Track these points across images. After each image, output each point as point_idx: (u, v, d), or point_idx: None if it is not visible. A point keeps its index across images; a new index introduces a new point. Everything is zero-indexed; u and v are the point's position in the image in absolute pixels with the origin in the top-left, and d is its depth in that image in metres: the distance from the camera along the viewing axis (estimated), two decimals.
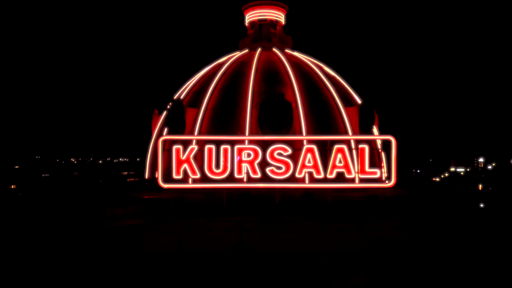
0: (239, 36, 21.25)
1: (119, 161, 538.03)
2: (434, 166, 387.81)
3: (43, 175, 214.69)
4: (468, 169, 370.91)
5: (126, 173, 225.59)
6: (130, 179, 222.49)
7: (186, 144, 14.82)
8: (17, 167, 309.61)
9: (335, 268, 14.86)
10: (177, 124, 16.35)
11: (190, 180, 14.98)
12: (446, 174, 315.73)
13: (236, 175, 14.80)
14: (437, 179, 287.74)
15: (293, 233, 14.68)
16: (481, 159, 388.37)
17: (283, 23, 20.72)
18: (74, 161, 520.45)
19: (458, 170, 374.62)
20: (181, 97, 18.22)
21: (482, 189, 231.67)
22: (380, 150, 16.95)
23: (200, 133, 16.31)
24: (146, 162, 19.83)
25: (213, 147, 14.76)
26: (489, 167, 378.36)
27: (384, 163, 17.27)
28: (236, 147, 14.74)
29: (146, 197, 15.77)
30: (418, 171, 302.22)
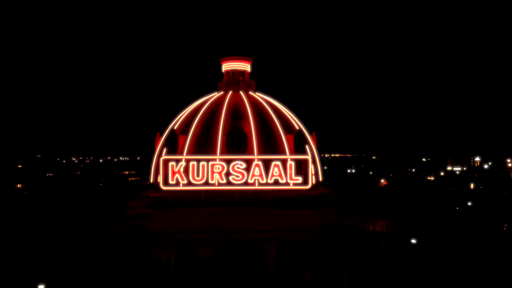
0: (218, 77, 30.02)
1: (119, 160, 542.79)
2: (430, 165, 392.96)
3: (47, 174, 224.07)
4: (464, 168, 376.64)
5: (127, 172, 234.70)
6: (131, 178, 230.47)
7: (178, 161, 23.63)
8: (20, 166, 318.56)
9: (272, 239, 23.53)
10: (172, 146, 25.15)
11: (180, 184, 23.75)
12: (442, 173, 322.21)
13: (210, 181, 23.60)
14: (432, 178, 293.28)
15: (246, 218, 23.42)
16: (477, 158, 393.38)
17: (249, 71, 29.49)
18: (75, 160, 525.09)
19: (455, 169, 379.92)
20: (176, 126, 27.01)
21: (473, 188, 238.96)
22: (307, 162, 25.63)
23: (188, 153, 25.05)
24: (151, 170, 28.54)
25: (195, 163, 23.57)
26: (486, 166, 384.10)
27: (311, 172, 25.91)
28: (210, 163, 23.55)
29: (152, 195, 24.54)
30: (413, 170, 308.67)
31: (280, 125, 26.00)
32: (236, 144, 24.55)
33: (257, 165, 23.63)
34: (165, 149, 25.82)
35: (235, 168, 23.63)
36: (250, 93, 28.21)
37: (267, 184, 23.66)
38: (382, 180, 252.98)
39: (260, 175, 23.59)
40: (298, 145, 25.29)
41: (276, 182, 23.68)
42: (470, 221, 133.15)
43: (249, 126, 25.21)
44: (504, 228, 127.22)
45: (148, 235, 23.39)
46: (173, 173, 23.57)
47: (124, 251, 22.71)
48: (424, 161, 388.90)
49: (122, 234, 22.85)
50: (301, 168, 23.92)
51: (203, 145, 25.00)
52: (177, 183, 23.65)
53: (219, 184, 23.63)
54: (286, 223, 23.36)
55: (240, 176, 23.59)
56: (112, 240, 23.08)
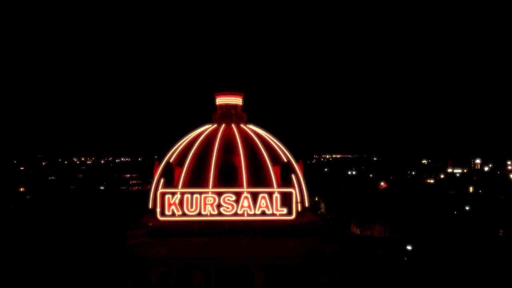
0: (212, 109, 32.46)
1: (121, 161, 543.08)
2: (431, 167, 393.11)
3: (49, 178, 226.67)
4: (465, 170, 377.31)
5: (128, 175, 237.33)
6: (133, 181, 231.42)
7: (173, 194, 26.06)
8: (22, 168, 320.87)
9: (259, 263, 25.94)
10: (168, 179, 27.60)
11: (176, 215, 26.18)
12: (442, 176, 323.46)
13: (202, 212, 26.02)
14: (432, 181, 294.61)
15: (236, 245, 25.85)
16: (477, 160, 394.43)
17: (241, 104, 31.92)
18: (77, 160, 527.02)
19: (455, 171, 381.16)
20: (172, 158, 29.45)
21: (472, 191, 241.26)
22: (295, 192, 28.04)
23: (183, 185, 27.47)
24: (150, 195, 30.94)
25: (189, 196, 26.01)
26: (486, 168, 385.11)
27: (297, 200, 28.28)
28: (203, 196, 25.99)
29: (150, 224, 26.98)
30: (413, 172, 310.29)
31: (268, 157, 28.42)
32: (227, 177, 26.99)
33: (246, 197, 26.06)
34: (162, 180, 28.26)
35: (226, 200, 26.07)
36: (241, 125, 30.60)
37: (255, 214, 26.09)
38: (382, 183, 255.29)
39: (249, 206, 26.02)
40: (285, 176, 27.70)
41: (263, 213, 26.10)
42: (467, 226, 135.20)
43: (239, 160, 27.65)
44: (500, 234, 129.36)
45: (146, 261, 25.86)
46: (169, 204, 26.03)
47: (125, 278, 25.19)
48: (424, 163, 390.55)
49: (122, 261, 25.32)
50: (286, 199, 26.33)
51: (196, 178, 27.43)
52: (173, 214, 26.11)
53: (211, 215, 26.07)
54: (272, 250, 25.80)
55: (230, 208, 26.03)
56: (113, 266, 25.56)
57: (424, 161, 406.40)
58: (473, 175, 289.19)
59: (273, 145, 30.17)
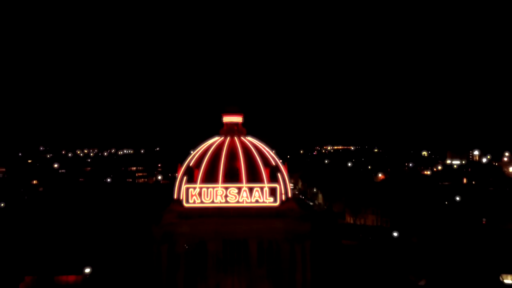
0: (219, 125, 44.46)
1: (123, 153, 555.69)
2: (429, 159, 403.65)
3: (60, 171, 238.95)
4: (463, 162, 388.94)
5: (134, 168, 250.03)
6: (139, 174, 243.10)
7: (194, 188, 38.17)
8: (30, 161, 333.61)
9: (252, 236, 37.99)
10: (190, 177, 39.71)
11: (196, 202, 38.26)
12: (439, 167, 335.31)
13: (215, 201, 38.13)
14: (428, 173, 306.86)
15: (237, 224, 37.93)
16: (476, 152, 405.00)
17: (241, 121, 43.92)
18: (80, 153, 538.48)
19: (454, 162, 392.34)
20: (191, 163, 41.51)
21: (466, 182, 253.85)
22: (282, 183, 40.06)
23: (200, 182, 39.53)
24: (175, 189, 42.94)
25: (205, 189, 38.12)
26: (484, 159, 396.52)
27: (282, 191, 40.27)
28: (215, 189, 38.10)
29: (177, 209, 39.08)
30: (410, 164, 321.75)
31: (261, 162, 40.50)
32: (232, 176, 39.10)
33: (245, 190, 38.19)
34: (185, 178, 40.38)
35: (231, 192, 38.21)
36: (242, 138, 42.64)
37: (251, 202, 38.21)
38: (380, 175, 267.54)
39: (247, 196, 38.15)
40: (272, 176, 39.80)
41: (257, 201, 38.23)
42: (454, 216, 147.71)
43: (240, 164, 39.76)
44: (483, 222, 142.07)
45: (175, 235, 38.07)
46: (191, 195, 38.21)
47: (161, 247, 37.48)
48: (423, 155, 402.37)
49: (159, 235, 37.60)
50: (273, 192, 38.47)
51: (210, 177, 39.56)
52: (194, 202, 38.27)
53: (220, 203, 38.24)
54: (263, 228, 37.97)
55: (234, 197, 38.17)
56: (153, 239, 37.84)
57: (424, 153, 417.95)
58: (470, 166, 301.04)
59: (265, 153, 42.24)
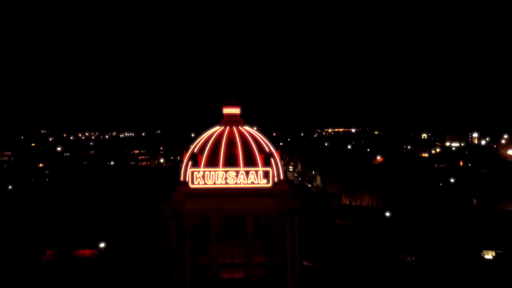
0: (220, 115, 50.75)
1: (125, 136, 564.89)
2: (429, 141, 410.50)
3: (64, 154, 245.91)
4: (462, 144, 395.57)
5: (137, 151, 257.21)
6: (141, 157, 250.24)
7: (198, 171, 44.67)
8: (33, 144, 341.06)
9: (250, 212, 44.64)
10: (194, 162, 46.22)
11: (200, 184, 44.82)
12: (438, 150, 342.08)
13: (216, 182, 44.68)
14: (426, 155, 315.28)
15: (236, 202, 44.55)
16: (475, 134, 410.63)
17: (239, 113, 50.19)
18: (82, 136, 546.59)
19: (453, 144, 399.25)
20: (196, 149, 47.96)
21: (462, 165, 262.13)
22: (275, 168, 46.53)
23: (204, 166, 46.04)
24: (181, 172, 49.46)
25: (208, 172, 44.63)
26: (483, 142, 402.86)
27: (274, 175, 46.75)
28: (216, 172, 44.61)
29: (184, 190, 45.65)
30: (409, 147, 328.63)
31: (256, 149, 46.92)
32: (230, 161, 45.59)
33: (242, 173, 44.69)
34: (190, 163, 46.89)
35: (230, 175, 44.71)
36: (240, 127, 48.99)
37: (247, 184, 44.73)
38: (378, 157, 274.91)
39: (244, 178, 44.66)
40: (266, 161, 46.29)
41: (252, 183, 44.75)
42: (447, 197, 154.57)
43: (238, 151, 46.21)
44: (474, 203, 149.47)
45: (182, 212, 44.73)
46: (196, 178, 44.74)
47: (170, 221, 44.23)
48: (423, 138, 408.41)
49: (169, 211, 44.32)
50: (266, 175, 45.01)
51: (212, 161, 46.05)
52: (198, 183, 44.81)
53: (221, 184, 44.78)
54: (258, 205, 44.62)
55: (233, 180, 44.68)
56: (163, 215, 44.57)
57: (424, 135, 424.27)
58: (468, 149, 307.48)
59: (260, 141, 48.63)
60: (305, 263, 62.42)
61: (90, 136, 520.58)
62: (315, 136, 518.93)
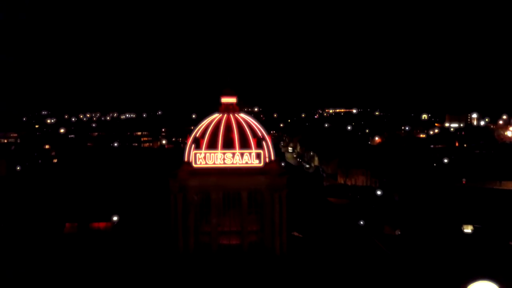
0: (218, 104, 58.87)
1: (126, 117, 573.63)
2: (428, 122, 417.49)
3: (69, 136, 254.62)
4: (461, 125, 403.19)
5: (140, 133, 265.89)
6: (144, 139, 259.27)
7: (200, 153, 53.02)
8: (37, 126, 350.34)
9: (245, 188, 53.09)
10: (197, 145, 54.57)
11: (202, 164, 53.19)
12: (436, 131, 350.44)
13: (215, 162, 53.07)
14: (423, 136, 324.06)
15: (232, 179, 52.99)
16: (474, 115, 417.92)
17: (235, 102, 58.26)
18: (83, 117, 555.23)
19: (452, 125, 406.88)
20: (198, 134, 56.23)
21: (458, 145, 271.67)
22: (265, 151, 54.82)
23: (205, 148, 54.38)
24: (185, 154, 57.77)
25: (208, 154, 53.01)
26: (482, 122, 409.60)
27: (265, 155, 55.02)
28: (215, 154, 52.96)
29: (188, 169, 54.05)
30: (407, 128, 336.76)
31: (250, 134, 55.15)
32: (228, 144, 53.90)
33: (238, 154, 53.01)
34: (193, 146, 55.20)
35: (227, 156, 53.02)
36: (236, 115, 57.13)
37: (242, 163, 53.09)
38: (376, 138, 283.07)
39: (239, 159, 52.99)
40: (258, 144, 54.58)
41: (247, 163, 53.10)
42: (438, 176, 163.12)
43: (234, 135, 54.48)
44: (463, 182, 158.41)
45: (187, 187, 53.22)
46: (198, 159, 53.10)
47: (177, 195, 52.79)
48: (423, 118, 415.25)
49: (176, 186, 52.85)
50: (259, 156, 53.35)
51: (212, 144, 54.36)
52: (200, 163, 53.19)
53: (220, 164, 53.15)
54: (251, 182, 53.09)
55: (230, 160, 53.02)
56: (171, 190, 53.10)
57: (424, 116, 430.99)
58: (466, 130, 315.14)
59: (253, 126, 56.84)
60: (295, 233, 71.19)
61: (91, 117, 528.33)
62: (316, 117, 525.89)
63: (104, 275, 56.23)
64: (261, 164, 53.57)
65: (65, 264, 60.36)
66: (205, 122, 57.71)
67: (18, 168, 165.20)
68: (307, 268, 54.14)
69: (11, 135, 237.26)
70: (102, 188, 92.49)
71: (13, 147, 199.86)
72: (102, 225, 74.79)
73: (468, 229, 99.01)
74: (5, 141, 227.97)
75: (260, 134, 56.62)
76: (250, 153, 53.36)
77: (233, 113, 57.48)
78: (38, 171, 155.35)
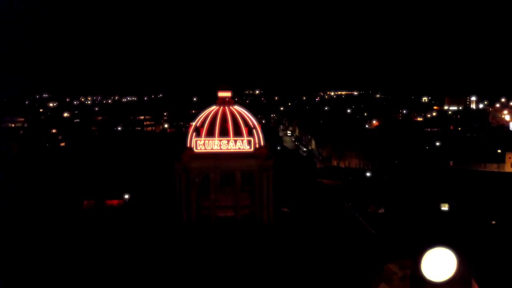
0: (215, 97, 69.83)
1: (127, 100, 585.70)
2: (427, 105, 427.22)
3: (74, 120, 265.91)
4: (460, 107, 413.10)
5: (142, 117, 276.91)
6: (147, 123, 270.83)
7: (200, 140, 64.23)
8: (41, 110, 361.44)
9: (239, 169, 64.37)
10: (197, 133, 65.77)
11: (202, 149, 64.42)
12: (434, 114, 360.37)
13: (213, 148, 64.30)
14: (420, 119, 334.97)
15: (228, 162, 64.28)
16: (473, 98, 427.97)
17: (230, 95, 69.21)
18: (85, 100, 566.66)
19: (451, 108, 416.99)
20: (198, 123, 67.37)
21: (452, 129, 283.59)
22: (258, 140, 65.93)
23: (204, 136, 65.58)
24: (187, 140, 68.94)
25: (207, 141, 64.20)
26: (481, 105, 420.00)
27: (256, 143, 66.12)
28: (213, 140, 64.17)
29: (190, 153, 65.29)
30: (405, 111, 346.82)
31: (242, 123, 66.22)
32: (223, 132, 65.05)
33: (232, 141, 64.19)
34: (194, 134, 66.36)
35: (223, 143, 64.22)
36: (231, 107, 68.14)
37: (235, 149, 64.30)
38: (374, 121, 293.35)
39: (233, 145, 64.19)
40: (249, 132, 65.72)
41: (239, 148, 64.31)
42: (428, 158, 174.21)
43: (229, 125, 65.60)
44: (451, 164, 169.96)
45: (189, 169, 64.54)
46: (199, 145, 64.32)
47: (181, 175, 64.19)
48: (423, 101, 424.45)
49: (180, 168, 64.20)
50: (249, 142, 64.53)
51: (210, 132, 65.53)
52: (200, 149, 64.44)
53: (217, 149, 64.39)
54: (243, 164, 64.38)
55: (225, 146, 64.23)
56: (176, 171, 64.48)
57: (425, 98, 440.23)
58: (463, 113, 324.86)
59: (245, 117, 67.89)
60: (284, 209, 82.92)
61: (94, 100, 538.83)
62: (317, 99, 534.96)
63: (119, 244, 67.81)
64: (252, 149, 64.82)
65: (85, 235, 72.02)
66: (204, 113, 68.81)
67: (27, 152, 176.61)
68: (289, 235, 65.64)
69: (19, 119, 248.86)
70: (113, 169, 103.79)
71: (21, 132, 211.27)
72: (115, 202, 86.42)
73: (445, 207, 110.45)
74: (13, 125, 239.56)
75: (251, 124, 67.76)
76: (242, 140, 64.58)
77: (228, 105, 68.53)
78: (48, 154, 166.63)
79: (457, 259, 54.62)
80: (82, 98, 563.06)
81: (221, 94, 69.52)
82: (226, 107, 67.96)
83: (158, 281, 55.88)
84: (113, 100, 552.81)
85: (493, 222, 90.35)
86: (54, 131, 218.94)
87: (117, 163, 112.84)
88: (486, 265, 66.41)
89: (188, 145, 67.84)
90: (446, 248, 59.54)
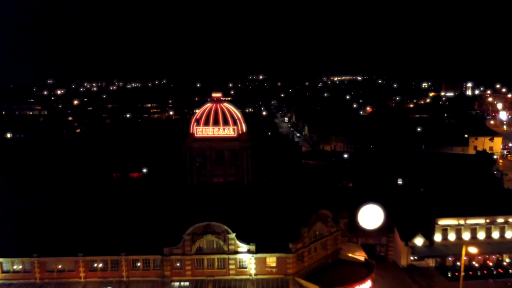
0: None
1: (132, 86, 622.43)
2: (425, 91, 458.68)
3: (87, 108, 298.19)
4: (456, 93, 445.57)
5: (149, 105, 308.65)
6: (153, 110, 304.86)
7: (199, 128, 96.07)
8: (53, 98, 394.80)
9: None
10: (197, 123, 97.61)
11: (200, 135, 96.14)
12: (427, 100, 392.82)
13: (209, 134, 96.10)
14: (412, 106, 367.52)
15: (219, 143, 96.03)
16: (469, 84, 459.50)
17: (220, 95, 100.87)
18: (88, 85, 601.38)
19: (448, 94, 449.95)
20: (197, 116, 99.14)
21: (439, 115, 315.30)
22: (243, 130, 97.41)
23: (202, 125, 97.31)
24: (190, 128, 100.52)
25: (204, 128, 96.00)
26: (477, 91, 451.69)
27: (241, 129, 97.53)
28: (208, 128, 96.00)
29: (192, 138, 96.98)
30: (398, 98, 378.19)
31: (230, 117, 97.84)
32: (216, 122, 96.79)
33: (222, 129, 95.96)
34: (195, 124, 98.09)
35: (215, 130, 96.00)
36: (221, 104, 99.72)
37: (225, 134, 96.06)
38: (368, 108, 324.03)
39: (223, 131, 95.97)
40: (234, 123, 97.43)
41: (227, 134, 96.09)
42: (404, 142, 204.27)
43: (220, 117, 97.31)
44: (423, 148, 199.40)
45: (192, 149, 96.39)
46: (198, 131, 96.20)
47: (187, 153, 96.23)
48: (423, 87, 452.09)
49: (185, 148, 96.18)
50: (235, 130, 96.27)
51: (206, 123, 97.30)
52: (199, 134, 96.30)
53: (212, 134, 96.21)
54: (230, 145, 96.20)
55: (217, 132, 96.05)
56: (183, 150, 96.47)
57: (425, 84, 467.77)
58: (458, 99, 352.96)
59: (232, 112, 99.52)
60: (265, 180, 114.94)
61: (98, 86, 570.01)
62: (320, 85, 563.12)
63: (141, 203, 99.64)
64: (236, 135, 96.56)
65: (116, 199, 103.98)
66: (202, 109, 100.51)
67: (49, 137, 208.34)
68: (261, 194, 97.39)
69: (36, 107, 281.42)
70: (132, 150, 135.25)
71: (41, 119, 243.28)
72: (136, 175, 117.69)
73: (400, 181, 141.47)
74: (31, 113, 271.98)
75: (235, 116, 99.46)
76: (229, 128, 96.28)
77: (219, 103, 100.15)
78: (74, 139, 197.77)
79: (384, 213, 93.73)
80: (86, 84, 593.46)
81: (214, 94, 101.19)
82: (218, 104, 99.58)
83: (170, 221, 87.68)
84: (118, 87, 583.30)
85: (422, 189, 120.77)
86: (70, 118, 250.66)
87: (134, 146, 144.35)
88: (405, 217, 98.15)
89: (191, 132, 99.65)
90: (376, 204, 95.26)
